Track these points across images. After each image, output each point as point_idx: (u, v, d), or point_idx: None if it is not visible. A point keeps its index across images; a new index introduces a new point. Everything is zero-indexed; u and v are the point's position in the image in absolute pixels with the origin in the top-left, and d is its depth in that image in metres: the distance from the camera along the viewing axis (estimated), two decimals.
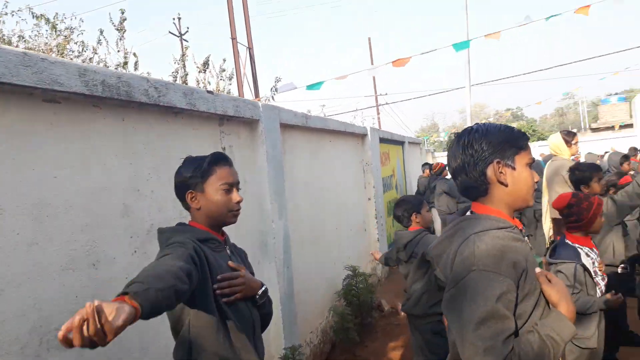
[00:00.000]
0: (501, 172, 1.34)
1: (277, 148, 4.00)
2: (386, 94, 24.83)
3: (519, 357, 1.16)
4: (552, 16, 5.22)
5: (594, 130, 27.37)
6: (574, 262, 2.49)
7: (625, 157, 6.47)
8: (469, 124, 7.03)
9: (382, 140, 8.37)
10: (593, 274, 2.51)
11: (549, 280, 1.34)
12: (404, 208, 3.27)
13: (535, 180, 1.39)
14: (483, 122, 1.47)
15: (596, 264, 2.58)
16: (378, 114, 21.62)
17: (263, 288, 1.83)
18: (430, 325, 3.03)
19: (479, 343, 1.16)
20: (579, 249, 2.59)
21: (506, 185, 1.35)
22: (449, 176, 8.78)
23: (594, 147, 15.36)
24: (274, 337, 3.69)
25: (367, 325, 5.13)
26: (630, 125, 16.22)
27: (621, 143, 13.42)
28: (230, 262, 1.74)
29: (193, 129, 3.02)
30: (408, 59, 5.67)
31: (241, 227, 3.24)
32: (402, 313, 5.51)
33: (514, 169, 1.35)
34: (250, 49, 11.77)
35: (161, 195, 2.62)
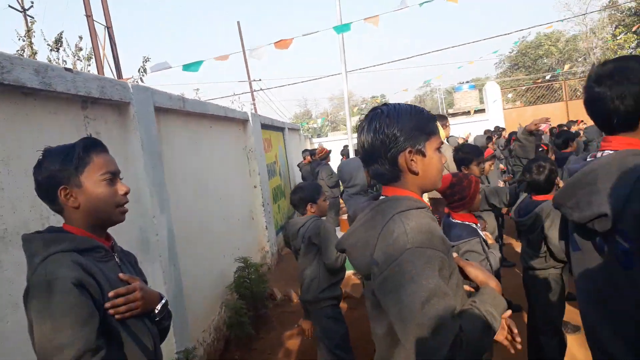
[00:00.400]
0: (412, 160, 1.29)
1: (152, 134, 3.60)
2: (260, 80, 24.60)
3: (466, 334, 1.10)
4: (425, 2, 5.48)
5: (451, 115, 30.15)
6: (477, 238, 2.56)
7: (489, 139, 7.13)
8: (346, 110, 7.14)
9: (264, 127, 8.18)
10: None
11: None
12: (300, 196, 3.16)
13: (443, 162, 1.36)
14: (393, 103, 1.39)
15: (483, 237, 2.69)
16: (253, 100, 21.31)
17: (163, 301, 1.55)
18: (323, 311, 2.98)
19: (426, 322, 1.07)
20: (472, 225, 2.67)
21: (417, 174, 1.31)
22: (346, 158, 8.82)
23: (453, 130, 16.85)
24: (165, 343, 3.34)
25: (262, 316, 4.96)
26: (483, 110, 18.10)
27: (477, 126, 14.88)
28: (121, 275, 1.44)
29: (50, 113, 2.54)
30: (290, 40, 5.52)
31: (118, 224, 2.83)
32: (295, 300, 5.46)
33: (424, 155, 1.31)
34: (109, 27, 10.69)
35: (14, 193, 2.15)
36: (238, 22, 21.52)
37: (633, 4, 23.97)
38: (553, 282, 2.96)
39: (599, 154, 1.39)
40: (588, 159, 1.44)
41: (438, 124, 1.41)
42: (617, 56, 1.50)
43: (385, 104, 1.37)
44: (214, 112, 5.40)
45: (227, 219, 5.38)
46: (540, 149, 5.24)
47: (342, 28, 5.71)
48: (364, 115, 1.40)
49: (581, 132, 8.08)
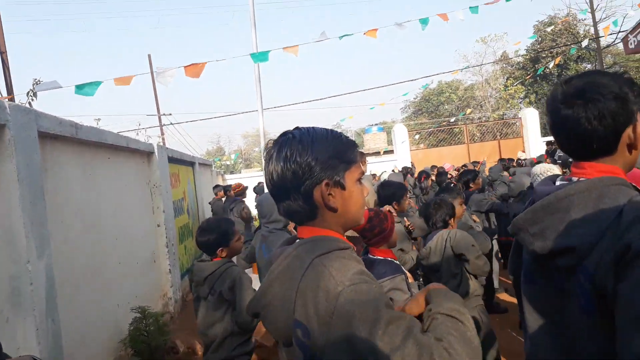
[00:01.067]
0: (330, 194, 1.08)
1: (34, 164, 3.06)
2: (170, 114, 23.67)
3: (449, 343, 0.91)
4: (345, 35, 5.47)
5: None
6: (402, 275, 2.39)
7: (405, 176, 7.28)
8: (261, 146, 6.88)
9: (172, 160, 7.64)
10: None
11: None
12: (209, 239, 2.66)
13: (365, 194, 1.16)
14: (307, 127, 1.15)
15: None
16: (162, 134, 20.32)
17: None
18: None
19: (398, 343, 0.88)
20: (394, 261, 2.51)
21: (336, 210, 1.10)
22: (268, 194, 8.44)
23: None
24: None
25: None
26: (391, 151, 18.87)
27: (386, 166, 15.48)
28: None
29: None
30: (202, 66, 5.17)
31: None
32: (200, 352, 4.91)
33: (344, 188, 1.10)
34: (2, 52, 9.65)
35: None
36: (149, 55, 20.85)
37: (521, 59, 26.84)
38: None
39: (574, 179, 1.21)
40: (559, 182, 1.26)
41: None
42: (560, 79, 1.32)
43: (298, 128, 1.14)
44: (114, 142, 4.85)
45: (124, 262, 4.77)
46: (452, 184, 5.38)
47: (260, 56, 5.47)
48: (272, 141, 1.17)
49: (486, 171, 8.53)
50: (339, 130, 1.22)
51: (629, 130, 1.14)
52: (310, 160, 1.05)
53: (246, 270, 5.36)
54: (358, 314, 0.91)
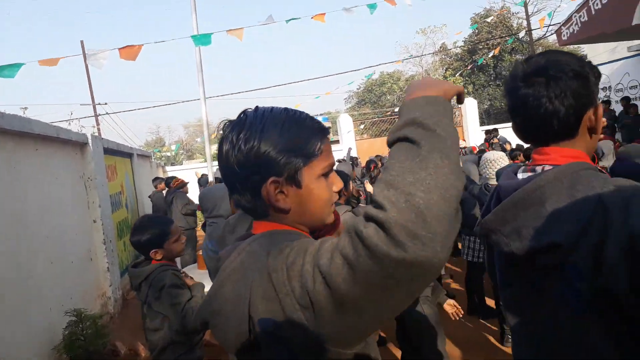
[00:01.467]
0: (281, 192, 0.90)
1: None
2: (106, 104, 22.50)
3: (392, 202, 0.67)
4: (292, 19, 5.30)
5: None
6: None
7: (352, 166, 7.27)
8: (205, 136, 6.61)
9: (108, 152, 7.18)
10: None
11: None
12: (139, 240, 2.39)
13: (336, 189, 0.97)
14: (269, 107, 0.95)
15: None
16: (97, 124, 19.25)
17: None
18: None
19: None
20: None
21: (287, 212, 0.92)
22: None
23: None
24: None
25: None
26: (337, 141, 18.91)
27: (336, 155, 15.47)
28: None
29: None
30: (139, 47, 4.81)
31: None
32: (143, 354, 4.64)
33: (299, 186, 0.91)
34: None
35: None
36: (82, 41, 19.57)
37: (459, 50, 27.77)
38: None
39: (538, 169, 1.12)
40: (522, 175, 1.16)
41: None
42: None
43: (256, 108, 0.95)
44: (42, 132, 4.45)
45: (56, 262, 4.40)
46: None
47: (202, 39, 5.15)
48: (227, 121, 0.97)
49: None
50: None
51: (590, 113, 1.08)
52: (257, 151, 0.87)
53: (191, 267, 5.14)
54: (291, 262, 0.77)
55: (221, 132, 0.96)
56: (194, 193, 9.06)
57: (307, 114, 0.95)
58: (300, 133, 0.90)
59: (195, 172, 8.21)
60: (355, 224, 0.68)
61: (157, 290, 2.32)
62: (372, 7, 7.46)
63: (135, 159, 9.98)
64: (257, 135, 0.88)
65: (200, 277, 3.13)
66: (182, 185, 7.47)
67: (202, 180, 9.14)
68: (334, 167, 1.01)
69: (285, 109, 0.95)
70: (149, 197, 9.36)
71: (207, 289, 1.70)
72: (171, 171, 16.38)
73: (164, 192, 8.59)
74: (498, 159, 3.47)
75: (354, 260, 0.67)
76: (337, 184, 0.97)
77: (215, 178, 7.73)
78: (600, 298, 0.95)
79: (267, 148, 0.87)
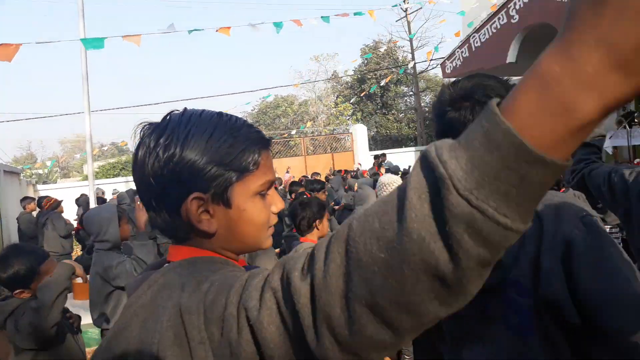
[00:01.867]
0: (205, 212, 0.76)
1: None
2: None
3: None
4: (195, 30, 5.09)
5: None
6: None
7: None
8: (88, 150, 6.11)
9: None
10: None
11: None
12: (0, 275, 2.09)
13: (275, 211, 0.84)
14: (198, 109, 0.81)
15: None
16: None
17: None
18: None
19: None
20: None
21: (211, 235, 0.78)
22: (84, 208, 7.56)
23: None
24: None
25: None
26: None
27: None
28: None
29: None
30: (17, 48, 4.23)
31: None
32: None
33: (229, 206, 0.77)
34: None
35: None
36: None
37: (349, 79, 29.25)
38: None
39: None
40: None
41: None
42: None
43: (185, 109, 0.81)
44: None
45: None
46: (304, 196, 5.47)
47: (93, 43, 4.68)
48: (147, 123, 0.81)
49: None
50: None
51: None
52: (178, 160, 0.73)
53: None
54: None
55: (138, 136, 0.80)
56: (70, 213, 8.26)
57: (244, 121, 0.82)
58: (234, 142, 0.76)
59: (47, 197, 7.21)
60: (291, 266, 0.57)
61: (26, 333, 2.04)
62: (278, 25, 7.57)
63: (2, 176, 8.88)
64: (180, 142, 0.73)
65: (77, 309, 2.81)
66: (57, 205, 6.78)
67: (81, 200, 8.39)
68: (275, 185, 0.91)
69: (219, 113, 0.81)
70: (17, 219, 8.35)
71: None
72: (44, 190, 14.82)
73: (34, 213, 7.73)
74: (392, 183, 3.67)
75: (285, 309, 0.55)
76: (277, 204, 0.84)
77: (98, 198, 7.15)
78: (543, 314, 0.97)
79: (191, 157, 0.73)
